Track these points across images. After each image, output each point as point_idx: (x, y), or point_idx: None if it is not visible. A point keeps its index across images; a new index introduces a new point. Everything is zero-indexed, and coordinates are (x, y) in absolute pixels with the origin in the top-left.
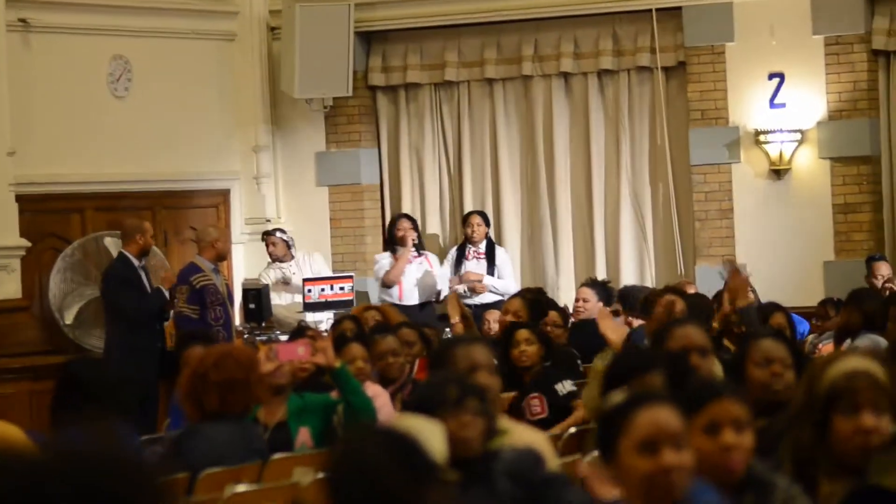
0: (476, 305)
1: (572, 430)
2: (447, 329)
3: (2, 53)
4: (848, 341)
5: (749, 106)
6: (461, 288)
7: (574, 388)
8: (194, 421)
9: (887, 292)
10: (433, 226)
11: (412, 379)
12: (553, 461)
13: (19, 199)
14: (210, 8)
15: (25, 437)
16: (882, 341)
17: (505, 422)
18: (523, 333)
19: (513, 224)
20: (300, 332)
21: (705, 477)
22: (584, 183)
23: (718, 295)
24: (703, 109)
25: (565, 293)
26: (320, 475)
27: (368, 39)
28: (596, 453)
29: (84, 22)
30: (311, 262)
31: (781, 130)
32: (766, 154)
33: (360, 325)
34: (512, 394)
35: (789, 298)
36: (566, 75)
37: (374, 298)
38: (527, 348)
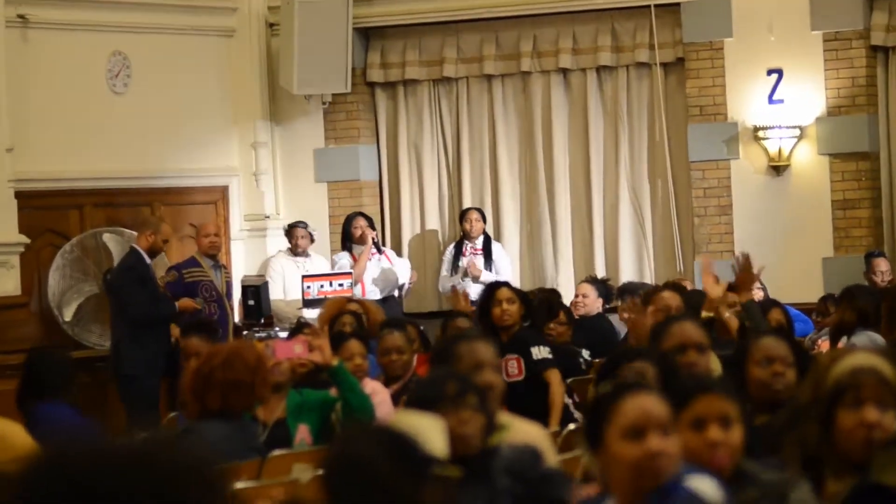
0: (472, 302)
1: (571, 426)
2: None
3: (0, 50)
4: (844, 339)
5: (748, 102)
6: (457, 280)
7: (549, 357)
8: (194, 417)
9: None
10: (432, 222)
11: (415, 377)
12: (552, 457)
13: (18, 195)
14: (209, 4)
15: (25, 433)
16: (878, 338)
17: (504, 417)
18: (505, 292)
19: (512, 220)
20: (300, 328)
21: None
22: (582, 179)
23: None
24: (701, 105)
25: (564, 290)
26: (319, 472)
27: (367, 35)
28: None
29: (83, 18)
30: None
31: (780, 126)
32: (765, 150)
33: (360, 321)
34: None
35: (788, 295)
36: (565, 71)
37: None
38: (509, 307)
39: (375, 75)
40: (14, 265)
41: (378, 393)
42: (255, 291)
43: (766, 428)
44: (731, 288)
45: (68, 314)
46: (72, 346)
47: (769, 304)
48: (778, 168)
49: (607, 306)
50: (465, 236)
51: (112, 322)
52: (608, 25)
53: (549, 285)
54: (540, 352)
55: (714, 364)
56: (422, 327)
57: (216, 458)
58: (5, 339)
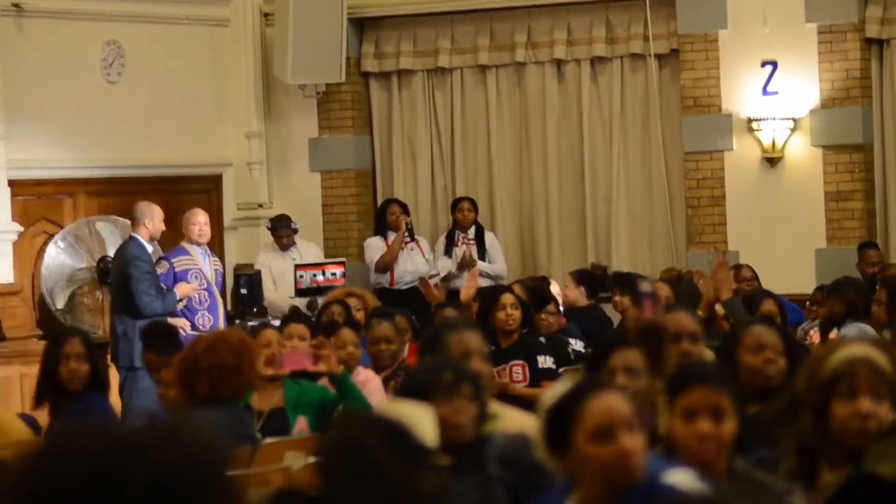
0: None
1: None
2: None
3: None
4: (835, 331)
5: (742, 93)
6: (450, 269)
7: (553, 367)
8: (186, 407)
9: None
10: (425, 212)
11: (404, 365)
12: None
13: (11, 183)
14: None
15: (19, 420)
16: (869, 329)
17: (496, 406)
18: (509, 297)
19: (505, 211)
20: (293, 317)
21: (682, 462)
22: (576, 170)
23: None
24: (695, 97)
25: (557, 280)
26: (312, 459)
27: (361, 26)
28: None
29: (77, 7)
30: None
31: (774, 118)
32: (759, 141)
33: (349, 310)
34: None
35: (781, 286)
36: (559, 62)
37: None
38: (513, 312)
39: (370, 65)
40: (7, 253)
41: (371, 381)
42: (249, 280)
43: (756, 418)
44: None
45: (61, 302)
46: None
47: (762, 295)
48: (772, 160)
49: (601, 295)
50: (458, 226)
51: (114, 312)
52: (603, 17)
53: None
54: (545, 361)
55: (707, 355)
56: (413, 317)
57: (222, 445)
58: None
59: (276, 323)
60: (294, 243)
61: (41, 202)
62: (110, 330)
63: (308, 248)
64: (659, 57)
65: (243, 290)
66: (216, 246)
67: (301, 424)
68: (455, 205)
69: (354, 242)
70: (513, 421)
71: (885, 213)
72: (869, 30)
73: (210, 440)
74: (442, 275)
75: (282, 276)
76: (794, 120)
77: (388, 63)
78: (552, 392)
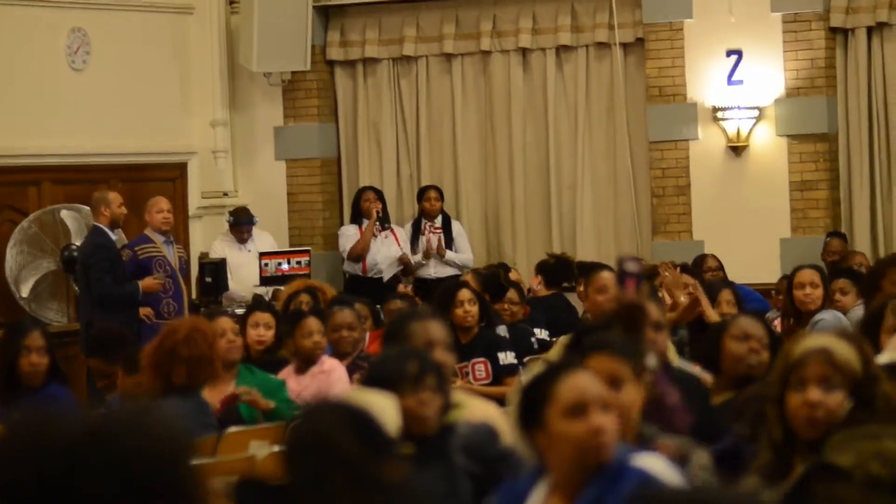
0: (433, 280)
1: None
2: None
3: None
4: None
5: (707, 83)
6: (416, 258)
7: (515, 362)
8: (156, 394)
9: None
10: (390, 200)
11: (364, 354)
12: (508, 435)
13: None
14: None
15: None
16: (842, 316)
17: (459, 395)
18: (466, 293)
19: (470, 199)
20: (257, 306)
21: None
22: (541, 158)
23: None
24: (661, 86)
25: (522, 269)
26: (276, 448)
27: (327, 14)
28: None
29: None
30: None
31: (739, 107)
32: (724, 131)
33: (317, 298)
34: None
35: (745, 275)
36: (524, 51)
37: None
38: (470, 308)
39: (335, 53)
40: None
41: (336, 370)
42: (214, 268)
43: (729, 404)
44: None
45: (25, 290)
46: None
47: (720, 285)
48: (736, 149)
49: (565, 285)
50: (424, 215)
51: (80, 300)
52: (568, 5)
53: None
54: (507, 357)
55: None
56: (378, 306)
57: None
58: None
59: (241, 311)
60: (251, 235)
61: (5, 190)
62: (77, 319)
63: (263, 238)
64: (624, 46)
65: (208, 279)
66: (181, 234)
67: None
68: (422, 193)
69: (319, 231)
70: (477, 410)
71: (850, 203)
72: (834, 19)
73: (173, 429)
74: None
75: (238, 268)
76: (759, 109)
77: (353, 51)
78: (527, 373)
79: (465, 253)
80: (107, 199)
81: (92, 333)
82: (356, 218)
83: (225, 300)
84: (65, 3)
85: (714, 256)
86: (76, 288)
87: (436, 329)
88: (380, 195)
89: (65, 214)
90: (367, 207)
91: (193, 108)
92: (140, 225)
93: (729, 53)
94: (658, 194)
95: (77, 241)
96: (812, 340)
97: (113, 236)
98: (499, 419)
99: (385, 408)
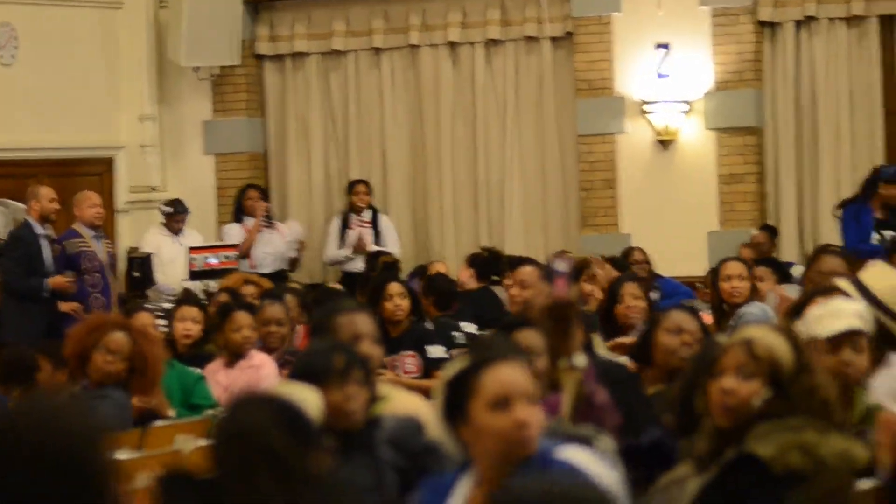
0: (358, 274)
1: None
2: None
3: None
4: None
5: (635, 76)
6: (344, 252)
7: (444, 356)
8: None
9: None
10: (318, 195)
11: (291, 349)
12: (434, 429)
13: None
14: None
15: None
16: (768, 309)
17: (386, 388)
18: (396, 287)
19: (399, 193)
20: (185, 300)
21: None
22: (470, 152)
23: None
24: (589, 80)
25: (451, 263)
26: (202, 442)
27: (256, 8)
28: None
29: None
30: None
31: (667, 101)
32: (652, 124)
33: (237, 296)
34: None
35: (673, 268)
36: (453, 45)
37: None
38: (400, 302)
39: (264, 48)
40: None
41: (265, 365)
42: (141, 263)
43: (659, 396)
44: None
45: None
46: None
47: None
48: (665, 142)
49: (494, 278)
50: (352, 209)
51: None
52: (497, 0)
53: (435, 259)
54: (436, 350)
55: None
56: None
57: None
58: None
59: (169, 306)
60: (182, 230)
61: None
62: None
63: (192, 236)
64: (553, 40)
65: (135, 273)
66: (108, 228)
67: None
68: (350, 187)
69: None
70: (402, 403)
71: (777, 196)
72: (762, 13)
73: (84, 424)
74: (335, 258)
75: (170, 262)
76: (688, 103)
77: (282, 46)
78: (451, 366)
79: (392, 247)
80: (37, 194)
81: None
82: (239, 215)
83: (152, 294)
84: None
85: (641, 249)
86: None
87: (363, 322)
88: (264, 193)
89: None
90: (251, 205)
91: (122, 102)
92: (69, 219)
93: (658, 47)
94: (586, 188)
95: (4, 236)
96: (739, 333)
97: (41, 230)
98: (425, 412)
99: (308, 401)
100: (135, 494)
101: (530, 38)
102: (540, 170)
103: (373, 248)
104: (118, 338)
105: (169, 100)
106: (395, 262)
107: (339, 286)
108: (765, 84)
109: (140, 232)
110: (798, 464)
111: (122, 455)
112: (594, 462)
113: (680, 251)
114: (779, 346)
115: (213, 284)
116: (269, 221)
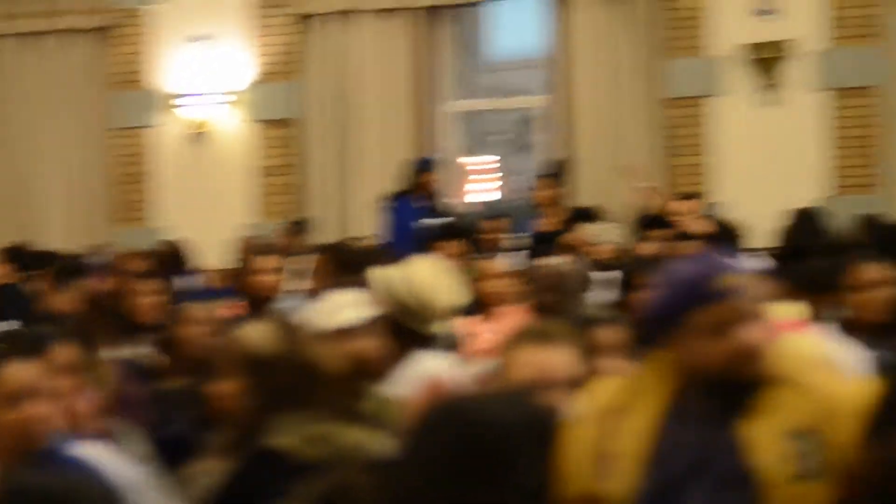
0: None
1: None
2: None
3: None
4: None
5: (173, 69)
6: None
7: None
8: None
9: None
10: None
11: None
12: None
13: None
14: None
15: None
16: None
17: None
18: None
19: None
20: None
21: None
22: (5, 146)
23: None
24: (124, 73)
25: None
26: None
27: None
28: None
29: None
30: None
31: (207, 93)
32: (185, 118)
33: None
34: None
35: (210, 260)
36: None
37: None
38: None
39: None
40: None
41: None
42: None
43: (183, 389)
44: None
45: None
46: None
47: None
48: (202, 135)
49: (31, 273)
50: None
51: None
52: None
53: None
54: None
55: None
56: None
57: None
58: None
59: None
60: None
61: None
62: None
63: None
64: (94, 32)
65: None
66: None
67: None
68: None
69: None
70: None
71: (312, 187)
72: (302, 4)
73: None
74: None
75: None
76: (227, 95)
77: None
78: None
79: None
80: None
81: None
82: None
83: None
84: None
85: (173, 242)
86: None
87: None
88: None
89: None
90: None
91: None
92: None
93: (196, 39)
94: (118, 182)
95: None
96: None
97: None
98: None
99: None
100: None
101: (70, 31)
102: (75, 164)
103: None
104: None
105: None
106: None
107: None
108: (304, 76)
109: None
110: (311, 454)
111: None
112: (111, 459)
113: (218, 244)
114: (257, 337)
115: None
116: None
